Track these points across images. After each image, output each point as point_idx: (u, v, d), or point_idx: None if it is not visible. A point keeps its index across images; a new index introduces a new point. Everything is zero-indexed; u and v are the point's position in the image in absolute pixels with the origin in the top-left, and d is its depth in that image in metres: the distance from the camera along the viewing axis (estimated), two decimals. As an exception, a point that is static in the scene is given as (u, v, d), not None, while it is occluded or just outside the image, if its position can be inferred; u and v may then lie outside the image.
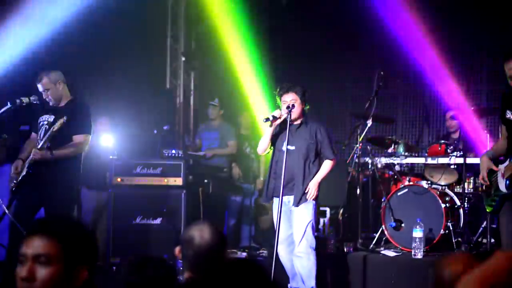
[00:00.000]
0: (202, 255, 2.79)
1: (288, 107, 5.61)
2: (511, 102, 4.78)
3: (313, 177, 5.75)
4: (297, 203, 5.69)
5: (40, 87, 5.80)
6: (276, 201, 5.65)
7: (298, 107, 5.71)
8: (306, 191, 5.69)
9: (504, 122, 4.86)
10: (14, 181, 5.63)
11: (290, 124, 5.63)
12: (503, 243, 4.92)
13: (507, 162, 4.74)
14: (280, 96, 5.75)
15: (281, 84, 5.87)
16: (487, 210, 5.14)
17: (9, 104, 5.60)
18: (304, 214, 5.69)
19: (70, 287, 2.19)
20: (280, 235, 5.67)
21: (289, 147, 5.71)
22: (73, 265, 2.20)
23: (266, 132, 5.79)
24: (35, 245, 2.17)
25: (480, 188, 5.13)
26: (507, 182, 4.69)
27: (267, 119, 5.64)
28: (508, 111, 4.76)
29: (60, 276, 2.16)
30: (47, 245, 2.16)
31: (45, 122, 5.79)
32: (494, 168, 4.79)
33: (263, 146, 5.84)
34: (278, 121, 5.70)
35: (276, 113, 5.69)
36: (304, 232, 5.63)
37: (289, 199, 5.73)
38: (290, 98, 5.69)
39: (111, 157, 7.31)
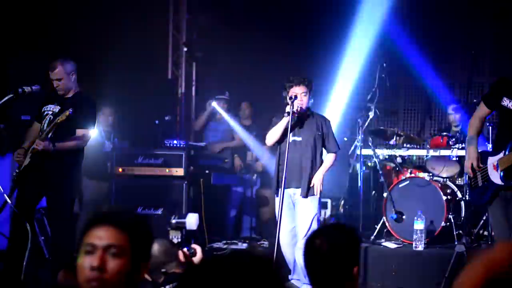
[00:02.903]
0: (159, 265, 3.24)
1: (290, 98, 5.60)
2: (511, 90, 4.70)
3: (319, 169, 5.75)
4: (305, 194, 5.67)
5: (52, 75, 5.66)
6: (284, 192, 5.57)
7: (307, 99, 5.71)
8: (312, 185, 5.68)
9: (492, 106, 4.78)
10: (16, 170, 5.61)
11: (297, 116, 5.64)
12: (496, 236, 4.92)
13: (501, 155, 4.69)
14: (290, 88, 5.71)
15: (290, 76, 5.82)
16: (473, 203, 5.19)
17: (11, 93, 5.55)
18: (310, 207, 5.68)
19: (133, 282, 2.19)
20: (284, 228, 5.66)
21: (296, 138, 5.72)
22: (138, 260, 2.20)
23: (281, 123, 5.68)
24: (106, 236, 2.16)
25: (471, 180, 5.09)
26: (502, 174, 4.66)
27: (289, 113, 5.55)
28: (505, 98, 4.66)
29: (128, 269, 2.16)
30: (119, 237, 2.16)
31: (50, 112, 5.69)
32: (478, 167, 4.79)
33: (275, 138, 5.75)
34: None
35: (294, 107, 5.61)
36: (310, 226, 5.62)
37: (295, 191, 5.72)
38: (302, 90, 5.68)
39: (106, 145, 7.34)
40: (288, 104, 5.64)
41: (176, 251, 3.07)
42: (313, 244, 2.62)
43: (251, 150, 8.43)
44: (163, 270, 3.22)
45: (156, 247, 3.12)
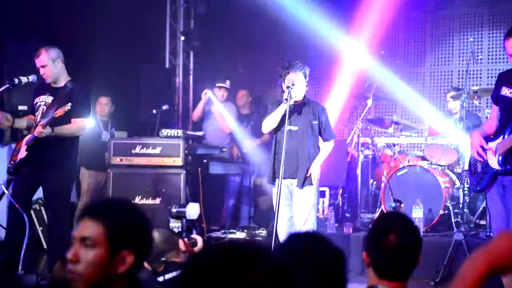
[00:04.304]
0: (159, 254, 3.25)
1: (288, 87, 5.51)
2: (508, 80, 4.72)
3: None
4: (301, 185, 5.59)
5: (37, 62, 5.60)
6: (277, 182, 5.50)
7: (303, 87, 5.65)
8: (309, 174, 5.61)
9: (497, 100, 4.81)
10: (12, 162, 5.58)
11: (293, 104, 5.55)
12: (492, 223, 4.91)
13: (500, 139, 4.69)
14: (286, 75, 5.63)
15: (287, 62, 5.75)
16: (471, 189, 5.20)
17: (7, 83, 5.51)
18: (307, 197, 5.61)
19: (115, 270, 2.20)
20: (282, 218, 5.59)
21: (292, 127, 5.61)
22: (118, 249, 2.20)
23: (278, 110, 5.55)
24: (82, 228, 2.21)
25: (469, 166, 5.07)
26: (500, 158, 4.64)
27: (286, 100, 5.44)
28: (504, 87, 4.69)
29: (104, 259, 2.18)
30: (94, 228, 2.19)
31: (43, 103, 5.65)
32: (485, 146, 4.74)
33: (272, 125, 5.63)
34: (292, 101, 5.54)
35: (292, 93, 5.51)
36: (308, 215, 5.58)
37: (291, 181, 5.64)
38: (298, 77, 5.59)
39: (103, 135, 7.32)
40: (284, 92, 5.59)
41: (177, 239, 3.06)
42: (387, 240, 2.70)
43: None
44: (163, 259, 3.21)
45: (156, 236, 3.12)
